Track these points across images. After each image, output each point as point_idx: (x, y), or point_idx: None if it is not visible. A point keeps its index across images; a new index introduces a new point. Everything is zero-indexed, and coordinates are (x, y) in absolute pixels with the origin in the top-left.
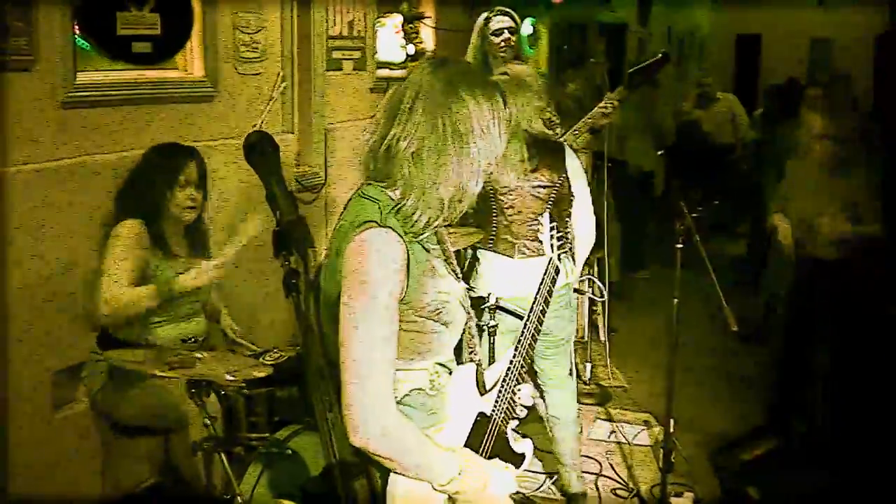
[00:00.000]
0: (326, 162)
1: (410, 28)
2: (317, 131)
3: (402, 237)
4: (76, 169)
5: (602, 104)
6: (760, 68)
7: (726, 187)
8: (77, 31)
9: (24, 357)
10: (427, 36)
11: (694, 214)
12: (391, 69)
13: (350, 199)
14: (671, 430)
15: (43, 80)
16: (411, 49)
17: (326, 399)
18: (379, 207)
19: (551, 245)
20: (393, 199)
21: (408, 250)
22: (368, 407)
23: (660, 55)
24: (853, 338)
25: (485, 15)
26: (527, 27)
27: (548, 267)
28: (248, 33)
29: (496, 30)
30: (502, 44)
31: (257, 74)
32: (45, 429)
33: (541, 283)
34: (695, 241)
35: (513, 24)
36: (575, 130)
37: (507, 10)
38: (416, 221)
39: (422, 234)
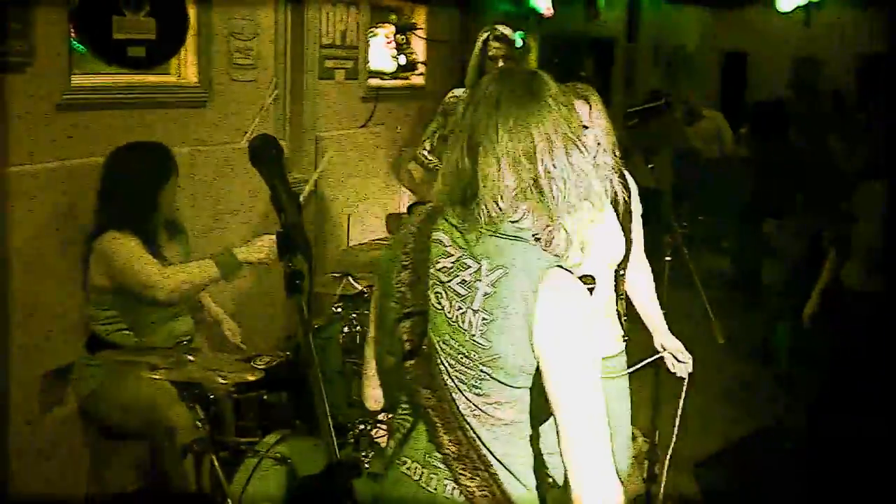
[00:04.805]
0: (317, 169)
1: (402, 39)
2: (308, 139)
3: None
4: (69, 171)
5: None
6: (746, 86)
7: (711, 203)
8: (73, 34)
9: (14, 359)
10: (418, 47)
11: (679, 230)
12: (382, 79)
13: (490, 243)
14: (656, 441)
15: (38, 82)
16: (402, 59)
17: (328, 402)
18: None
19: None
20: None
21: None
22: (605, 469)
23: (661, 102)
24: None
25: (483, 37)
26: (517, 41)
27: None
28: (243, 40)
29: (492, 56)
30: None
31: (251, 81)
32: (33, 431)
33: None
34: (682, 254)
35: (509, 51)
36: None
37: (504, 34)
38: (555, 247)
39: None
